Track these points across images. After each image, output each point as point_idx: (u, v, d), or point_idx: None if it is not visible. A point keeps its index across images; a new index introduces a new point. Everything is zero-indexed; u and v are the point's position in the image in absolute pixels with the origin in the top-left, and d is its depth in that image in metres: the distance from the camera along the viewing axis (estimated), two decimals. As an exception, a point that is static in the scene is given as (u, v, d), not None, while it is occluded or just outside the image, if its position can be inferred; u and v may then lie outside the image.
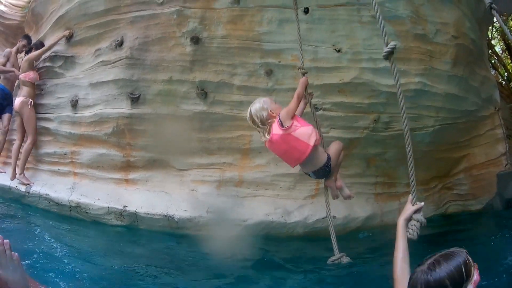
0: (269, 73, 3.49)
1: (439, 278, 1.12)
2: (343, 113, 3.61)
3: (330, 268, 3.26)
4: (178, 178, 3.82)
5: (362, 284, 3.17)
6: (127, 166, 3.96)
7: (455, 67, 3.92)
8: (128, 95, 3.73)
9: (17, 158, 4.62)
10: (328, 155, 2.40)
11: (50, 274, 2.99)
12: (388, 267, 3.30)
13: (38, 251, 3.37)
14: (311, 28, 3.46)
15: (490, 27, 7.57)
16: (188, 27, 3.52)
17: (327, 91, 3.54)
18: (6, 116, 4.79)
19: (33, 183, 4.32)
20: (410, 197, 1.76)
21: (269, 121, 2.32)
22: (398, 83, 1.87)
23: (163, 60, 3.60)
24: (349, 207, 3.87)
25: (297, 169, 2.69)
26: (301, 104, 2.49)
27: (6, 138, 4.82)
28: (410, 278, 1.19)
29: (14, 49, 5.10)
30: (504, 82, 8.15)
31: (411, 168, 1.80)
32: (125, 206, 3.80)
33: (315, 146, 2.29)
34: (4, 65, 4.89)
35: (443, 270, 1.13)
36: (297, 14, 2.67)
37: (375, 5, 1.96)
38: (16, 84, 5.12)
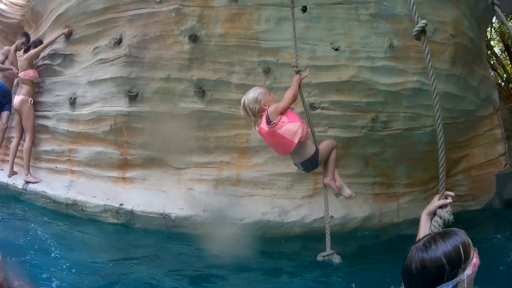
0: (267, 71, 3.48)
1: (435, 256, 1.03)
2: (341, 112, 3.60)
3: (326, 268, 3.25)
4: (176, 177, 3.81)
5: (358, 284, 3.15)
6: (125, 164, 3.96)
7: (454, 66, 3.91)
8: (126, 93, 3.73)
9: (15, 156, 4.63)
10: (317, 148, 2.40)
11: (45, 271, 2.97)
12: (386, 267, 3.28)
13: (34, 248, 3.35)
14: (308, 27, 3.45)
15: (489, 28, 7.57)
16: (187, 25, 3.52)
17: (325, 90, 3.53)
18: (5, 114, 4.79)
19: (41, 180, 4.30)
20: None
21: (260, 113, 2.34)
22: (432, 72, 1.69)
23: (161, 58, 3.60)
24: (347, 207, 3.85)
25: (294, 168, 2.69)
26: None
27: (5, 136, 4.82)
28: (405, 257, 1.09)
29: (13, 47, 5.10)
30: (503, 83, 8.14)
31: (442, 159, 1.62)
32: (121, 204, 3.78)
33: (301, 142, 2.30)
34: (3, 63, 4.89)
35: (440, 249, 1.04)
36: (293, 12, 2.67)
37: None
38: (15, 82, 5.13)
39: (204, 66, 3.53)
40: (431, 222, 1.48)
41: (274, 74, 3.49)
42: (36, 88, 4.62)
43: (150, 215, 3.70)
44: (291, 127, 2.28)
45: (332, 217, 3.72)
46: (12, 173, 4.61)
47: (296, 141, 2.27)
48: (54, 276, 2.89)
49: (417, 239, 1.37)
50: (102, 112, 3.91)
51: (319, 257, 2.67)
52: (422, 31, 1.72)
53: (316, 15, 3.45)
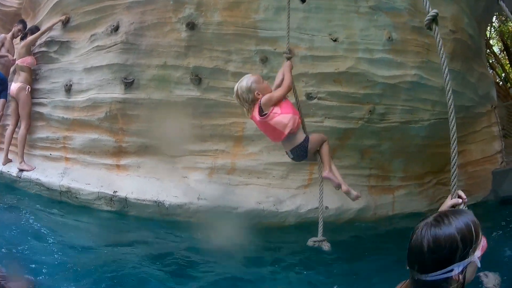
0: (264, 60, 3.47)
1: (449, 232, 0.94)
2: (338, 102, 3.58)
3: (320, 258, 3.24)
4: (170, 165, 3.79)
5: (353, 275, 3.14)
6: (119, 151, 3.93)
7: (452, 61, 3.91)
8: (122, 80, 3.71)
9: (9, 144, 4.59)
10: (307, 136, 2.39)
11: (38, 259, 2.96)
12: (380, 259, 3.27)
13: (27, 236, 3.34)
14: (307, 17, 3.44)
15: (488, 28, 7.58)
16: (184, 13, 3.49)
17: (322, 80, 3.52)
18: (0, 101, 4.75)
19: (35, 168, 4.27)
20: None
21: (254, 102, 2.30)
22: (445, 64, 1.56)
23: (158, 45, 3.57)
24: (342, 198, 3.83)
25: (290, 158, 2.67)
26: (280, 79, 2.45)
27: (0, 124, 4.78)
28: (412, 236, 1.00)
29: (9, 34, 5.06)
30: (501, 83, 8.16)
31: (454, 158, 1.51)
32: (115, 192, 3.76)
33: (291, 133, 2.29)
34: (-1, 50, 4.85)
35: (453, 225, 0.95)
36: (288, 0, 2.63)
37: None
38: (11, 70, 5.09)
39: (201, 54, 3.51)
40: None
41: (271, 63, 3.48)
42: (32, 75, 4.58)
43: (144, 202, 3.68)
44: (283, 119, 2.26)
45: (327, 207, 3.71)
46: (7, 160, 4.58)
47: (286, 132, 2.27)
48: (47, 263, 2.88)
49: None
50: (98, 99, 3.88)
51: (310, 242, 2.66)
52: (434, 20, 1.64)
53: (315, 5, 3.44)
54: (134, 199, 3.71)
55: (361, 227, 3.93)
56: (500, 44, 9.14)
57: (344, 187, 2.44)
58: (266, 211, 3.61)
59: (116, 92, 3.76)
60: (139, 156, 3.88)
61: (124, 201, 3.75)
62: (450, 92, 1.58)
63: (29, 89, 4.41)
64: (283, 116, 2.26)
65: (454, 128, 1.54)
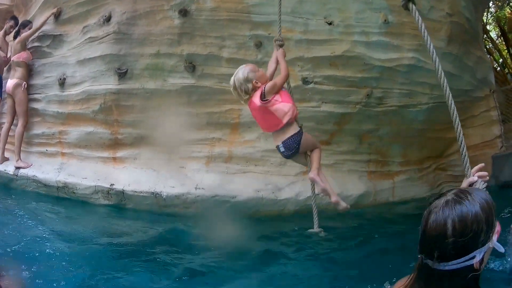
0: (259, 45, 3.42)
1: (475, 212, 0.80)
2: (335, 87, 3.54)
3: (320, 247, 3.20)
4: (167, 155, 3.74)
5: (353, 263, 3.10)
6: (115, 144, 3.89)
7: (450, 44, 3.87)
8: (116, 70, 3.66)
9: (5, 142, 4.53)
10: (301, 130, 2.37)
11: (37, 257, 2.91)
12: (381, 247, 3.21)
13: (25, 235, 3.28)
14: (302, 0, 3.39)
15: (485, 13, 7.54)
16: (176, 0, 3.45)
17: (318, 64, 3.48)
18: (-5, 99, 4.70)
19: (31, 165, 4.22)
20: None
21: (252, 91, 2.31)
22: (430, 46, 1.52)
23: (151, 34, 3.53)
24: (342, 185, 3.80)
25: (279, 152, 2.63)
26: (273, 67, 2.46)
27: (-5, 122, 4.73)
28: (428, 216, 0.84)
29: (1, 32, 5.01)
30: (498, 68, 8.13)
31: (460, 136, 1.42)
32: (112, 184, 3.72)
33: (288, 123, 2.29)
34: (-9, 48, 4.80)
35: (477, 202, 0.82)
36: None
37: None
38: (5, 67, 5.04)
39: (194, 40, 3.47)
40: None
41: (266, 48, 3.43)
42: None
43: (141, 194, 3.63)
44: (283, 107, 2.28)
45: (318, 194, 3.67)
46: (4, 159, 4.52)
47: (284, 121, 2.28)
48: (44, 261, 2.83)
49: None
50: (92, 91, 3.84)
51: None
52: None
53: (309, -11, 3.39)
54: (131, 191, 3.66)
55: (360, 213, 3.89)
56: (497, 29, 9.11)
57: (334, 198, 2.42)
58: (265, 199, 3.57)
59: (110, 83, 3.71)
60: (135, 147, 3.84)
61: (121, 194, 3.70)
62: (440, 70, 1.52)
63: (25, 86, 4.36)
64: (283, 104, 2.27)
65: (453, 104, 1.49)
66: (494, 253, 0.91)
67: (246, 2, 3.39)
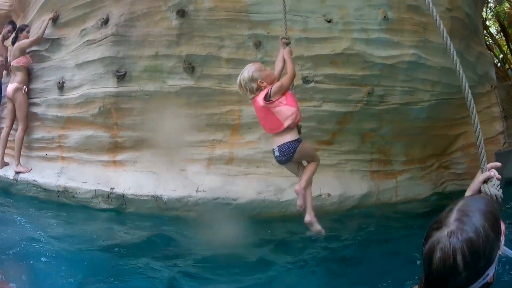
0: (258, 44, 3.39)
1: (483, 233, 0.73)
2: (336, 85, 3.50)
3: (324, 248, 3.17)
4: (167, 158, 3.71)
5: (357, 264, 3.06)
6: (115, 147, 3.86)
7: (450, 40, 3.82)
8: (114, 73, 3.63)
9: (5, 146, 4.51)
10: (300, 138, 2.34)
11: (36, 262, 2.87)
12: (383, 248, 3.17)
13: (24, 239, 3.24)
14: (300, -1, 3.36)
15: (484, 9, 7.51)
16: (174, 1, 3.42)
17: (318, 63, 3.44)
18: (-6, 104, 4.68)
19: (31, 169, 4.19)
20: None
21: (258, 90, 2.29)
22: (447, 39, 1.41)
23: (149, 35, 3.50)
24: (344, 185, 3.76)
25: (274, 156, 2.59)
26: (280, 66, 2.43)
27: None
28: (431, 253, 0.77)
29: (-1, 36, 5.01)
30: (499, 64, 8.08)
31: (477, 127, 1.32)
32: (112, 188, 3.68)
33: (289, 128, 2.26)
34: (-11, 53, 4.78)
35: (477, 216, 0.76)
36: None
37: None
38: (4, 72, 5.02)
39: (193, 41, 3.44)
40: None
41: (265, 47, 3.40)
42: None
43: (142, 198, 3.60)
44: (287, 110, 2.25)
45: (329, 194, 3.64)
46: (4, 164, 4.50)
47: (286, 125, 2.25)
48: (43, 267, 2.79)
49: None
50: (91, 94, 3.81)
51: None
52: None
53: (307, -14, 3.36)
54: (132, 195, 3.63)
55: (363, 213, 3.84)
56: (496, 25, 9.07)
57: (308, 218, 2.38)
58: (267, 200, 3.53)
59: (109, 86, 3.68)
60: (135, 150, 3.80)
61: (122, 197, 3.67)
62: (458, 65, 1.39)
63: (26, 90, 4.34)
64: (287, 108, 2.24)
65: (470, 95, 1.40)
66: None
67: (244, 1, 3.36)
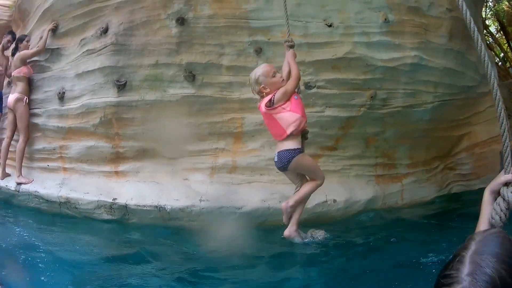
0: (259, 51, 3.36)
1: (500, 280, 0.68)
2: (338, 90, 3.47)
3: (330, 254, 3.12)
4: (169, 167, 3.67)
5: (363, 271, 3.01)
6: (117, 157, 3.83)
7: (451, 41, 3.80)
8: (115, 82, 3.61)
9: (6, 157, 4.51)
10: (302, 149, 2.29)
11: (38, 272, 2.83)
12: (391, 252, 3.12)
13: (26, 250, 3.19)
14: (300, 3, 3.34)
15: (483, 8, 7.48)
16: (173, 9, 3.40)
17: (320, 68, 3.41)
18: (-5, 115, 4.68)
19: (33, 180, 4.17)
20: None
21: (261, 94, 2.27)
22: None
23: (149, 44, 3.48)
24: (349, 190, 3.72)
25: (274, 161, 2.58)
26: (287, 70, 2.39)
27: (-4, 139, 4.70)
28: None
29: (-1, 46, 5.01)
30: (500, 63, 8.04)
31: (503, 122, 1.25)
32: (114, 199, 3.65)
33: (293, 135, 2.23)
34: (-12, 63, 4.79)
35: (492, 265, 0.70)
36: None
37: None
38: (5, 82, 5.03)
39: (193, 49, 3.42)
40: (493, 205, 1.08)
41: (266, 53, 3.37)
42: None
43: (145, 208, 3.56)
44: (290, 116, 2.22)
45: (334, 200, 3.60)
46: (5, 175, 4.49)
47: (288, 132, 2.21)
48: (46, 277, 2.75)
49: (479, 224, 1.08)
50: (91, 105, 3.79)
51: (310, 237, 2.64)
52: None
53: (307, -9, 3.34)
54: (134, 205, 3.59)
55: (370, 218, 3.79)
56: (496, 24, 9.04)
57: (286, 232, 2.40)
58: (271, 208, 3.48)
59: (109, 96, 3.66)
60: (137, 160, 3.77)
61: (124, 208, 3.63)
62: (486, 60, 1.34)
63: (27, 100, 4.33)
64: (290, 114, 2.20)
65: (496, 86, 1.33)
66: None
67: (244, 8, 3.33)
